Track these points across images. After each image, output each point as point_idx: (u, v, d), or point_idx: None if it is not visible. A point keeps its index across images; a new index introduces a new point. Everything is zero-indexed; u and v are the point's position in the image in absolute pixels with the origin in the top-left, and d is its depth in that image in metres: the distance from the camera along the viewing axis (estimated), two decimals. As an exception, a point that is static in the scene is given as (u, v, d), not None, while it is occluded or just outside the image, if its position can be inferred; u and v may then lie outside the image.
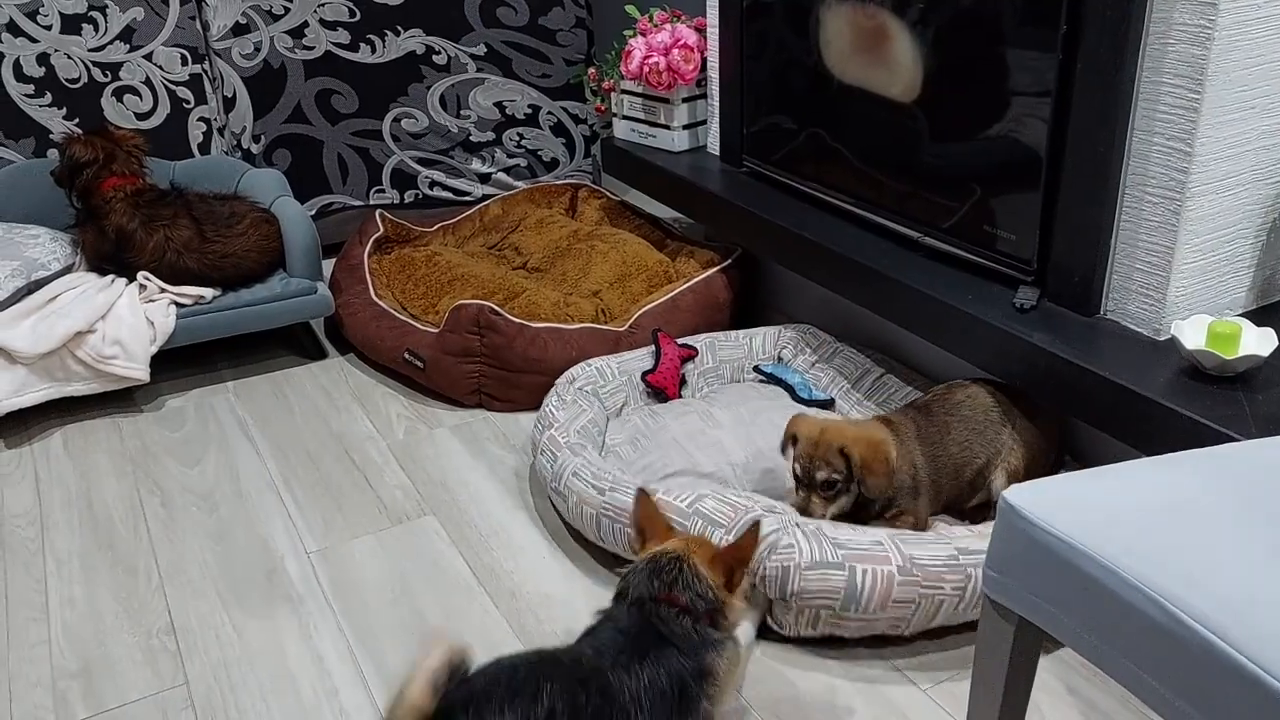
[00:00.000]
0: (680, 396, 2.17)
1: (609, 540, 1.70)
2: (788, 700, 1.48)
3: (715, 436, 1.94)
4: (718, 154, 2.60)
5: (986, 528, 1.73)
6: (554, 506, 1.87)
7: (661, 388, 2.14)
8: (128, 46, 2.60)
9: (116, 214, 2.31)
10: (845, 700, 1.48)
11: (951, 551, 1.52)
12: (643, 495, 1.38)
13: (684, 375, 2.20)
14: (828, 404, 2.12)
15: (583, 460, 1.78)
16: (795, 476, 1.70)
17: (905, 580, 1.49)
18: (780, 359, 2.27)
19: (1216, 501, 0.98)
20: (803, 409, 1.97)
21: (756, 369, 2.24)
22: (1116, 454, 1.76)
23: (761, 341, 2.28)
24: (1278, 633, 0.83)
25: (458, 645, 1.10)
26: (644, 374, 2.14)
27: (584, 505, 1.72)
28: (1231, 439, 1.38)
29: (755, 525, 1.33)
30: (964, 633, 1.59)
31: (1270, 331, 1.55)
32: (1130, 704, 1.45)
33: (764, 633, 1.58)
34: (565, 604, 1.68)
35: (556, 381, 2.07)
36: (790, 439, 1.72)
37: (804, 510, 1.67)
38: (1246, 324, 1.55)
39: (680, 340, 2.24)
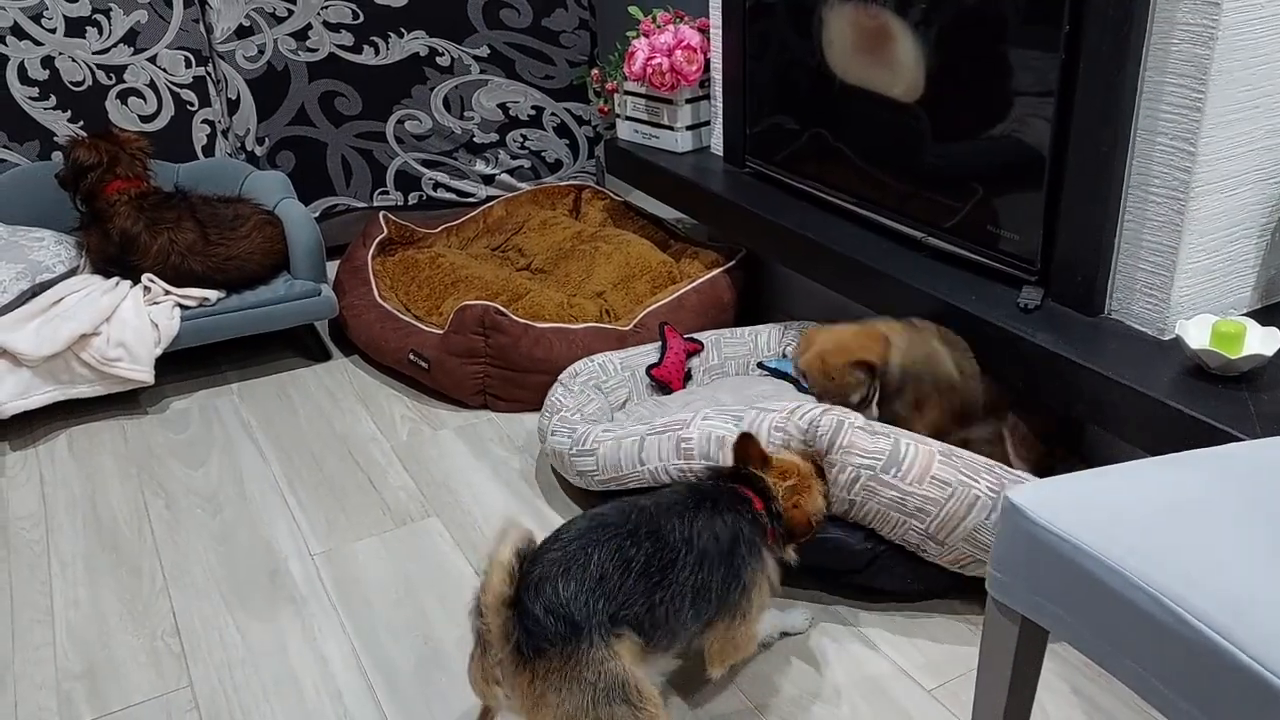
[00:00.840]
0: (684, 389, 2.17)
1: (651, 459, 1.74)
2: (790, 700, 1.48)
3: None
4: (721, 155, 2.60)
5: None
6: (576, 476, 1.85)
7: (666, 381, 2.14)
8: (132, 49, 2.60)
9: (121, 217, 2.31)
10: (848, 697, 1.48)
11: (989, 464, 1.58)
12: (745, 436, 1.45)
13: (689, 370, 2.20)
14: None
15: (604, 427, 1.84)
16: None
17: (945, 462, 1.56)
18: (785, 355, 2.27)
19: (1220, 501, 0.97)
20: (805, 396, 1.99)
21: (760, 365, 2.24)
22: (1121, 454, 1.75)
23: (766, 338, 2.28)
24: (1279, 632, 0.83)
25: (523, 532, 1.22)
26: (649, 368, 2.14)
27: (621, 444, 1.78)
28: (1236, 438, 1.38)
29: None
30: (968, 631, 1.59)
31: (1275, 331, 1.54)
32: (1134, 704, 1.45)
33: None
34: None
35: (560, 376, 2.07)
36: (801, 375, 1.83)
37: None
38: (1251, 323, 1.55)
39: (686, 335, 2.24)
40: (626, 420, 2.00)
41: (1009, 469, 1.59)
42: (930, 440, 1.60)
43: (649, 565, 1.26)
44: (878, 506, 1.57)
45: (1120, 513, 0.96)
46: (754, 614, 1.38)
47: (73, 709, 1.51)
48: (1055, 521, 0.96)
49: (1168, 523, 0.95)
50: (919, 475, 1.54)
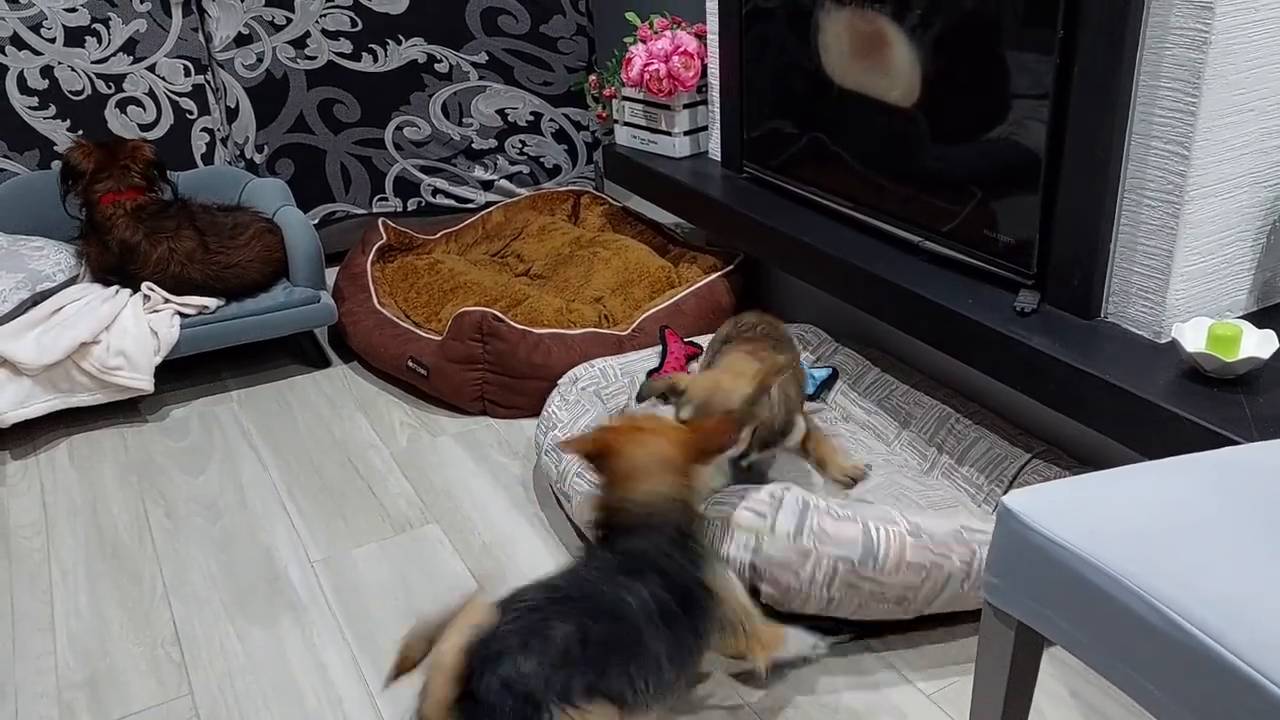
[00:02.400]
0: (683, 397, 2.18)
1: None
2: (788, 704, 1.48)
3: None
4: (719, 159, 2.60)
5: (988, 509, 1.77)
6: (560, 505, 1.87)
7: (666, 387, 2.15)
8: (131, 58, 2.61)
9: (119, 229, 2.32)
10: (846, 703, 1.48)
11: (956, 526, 1.54)
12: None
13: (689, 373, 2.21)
14: (831, 379, 2.14)
15: None
16: None
17: (916, 544, 1.51)
18: None
19: (1215, 506, 0.98)
20: None
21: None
22: (1118, 458, 1.76)
23: (763, 345, 2.29)
24: (1276, 637, 0.83)
25: (473, 625, 1.11)
26: (649, 373, 2.15)
27: (587, 505, 1.71)
28: (1232, 442, 1.38)
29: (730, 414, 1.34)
30: (965, 636, 1.59)
31: (1271, 334, 1.54)
32: (1132, 708, 1.45)
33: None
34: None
35: (559, 381, 2.07)
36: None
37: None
38: (1247, 326, 1.55)
39: (685, 339, 2.25)
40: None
41: (972, 525, 1.54)
42: (892, 514, 1.53)
43: (613, 639, 1.18)
44: (859, 601, 1.53)
45: (1115, 517, 0.97)
46: (745, 617, 1.36)
47: (74, 718, 1.51)
48: (1050, 526, 0.96)
49: (1163, 527, 0.95)
50: (894, 564, 1.49)
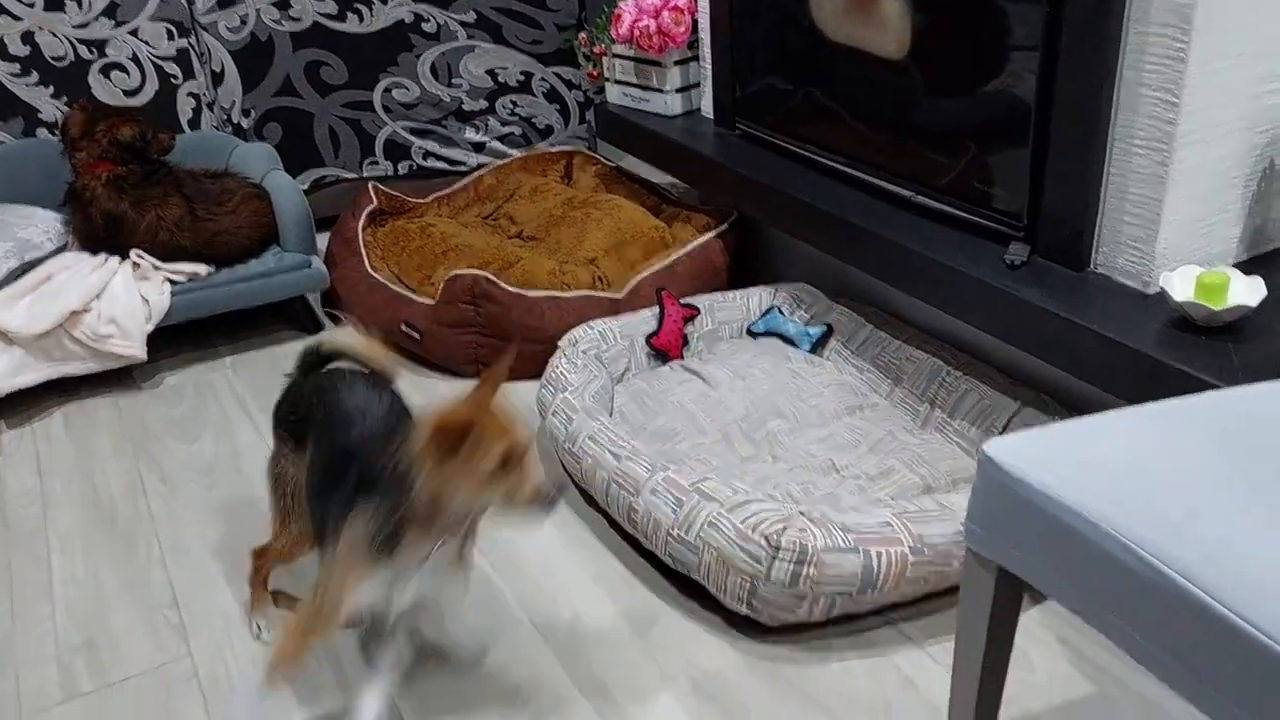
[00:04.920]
0: (683, 358, 2.18)
1: (615, 506, 1.70)
2: (785, 658, 1.49)
3: (716, 398, 1.98)
4: (711, 117, 2.58)
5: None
6: (564, 468, 1.87)
7: (665, 350, 2.15)
8: (113, 22, 2.59)
9: (100, 200, 2.30)
10: (840, 656, 1.49)
11: (957, 528, 1.50)
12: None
13: (686, 335, 2.20)
14: (826, 335, 2.16)
15: (599, 425, 1.78)
16: None
17: (918, 560, 1.47)
18: (773, 310, 2.26)
19: (1196, 451, 0.98)
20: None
21: (748, 331, 2.24)
22: (1111, 406, 1.76)
23: (758, 301, 2.28)
24: (1254, 581, 0.84)
25: None
26: (648, 337, 2.14)
27: (598, 469, 1.73)
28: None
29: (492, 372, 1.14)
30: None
31: (1259, 281, 1.54)
32: (1117, 653, 1.47)
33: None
34: (566, 572, 1.70)
35: (560, 343, 2.07)
36: None
37: None
38: (1235, 274, 1.55)
39: (681, 300, 2.25)
40: (623, 394, 2.02)
41: None
42: (895, 530, 1.47)
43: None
44: (857, 609, 1.53)
45: (1095, 464, 0.97)
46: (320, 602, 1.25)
47: (74, 681, 1.53)
48: (1030, 473, 0.96)
49: (1143, 473, 0.95)
50: (894, 583, 1.47)
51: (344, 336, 1.41)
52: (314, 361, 1.48)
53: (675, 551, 1.57)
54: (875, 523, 1.49)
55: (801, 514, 1.50)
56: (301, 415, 1.41)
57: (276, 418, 1.46)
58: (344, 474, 1.25)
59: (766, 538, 1.46)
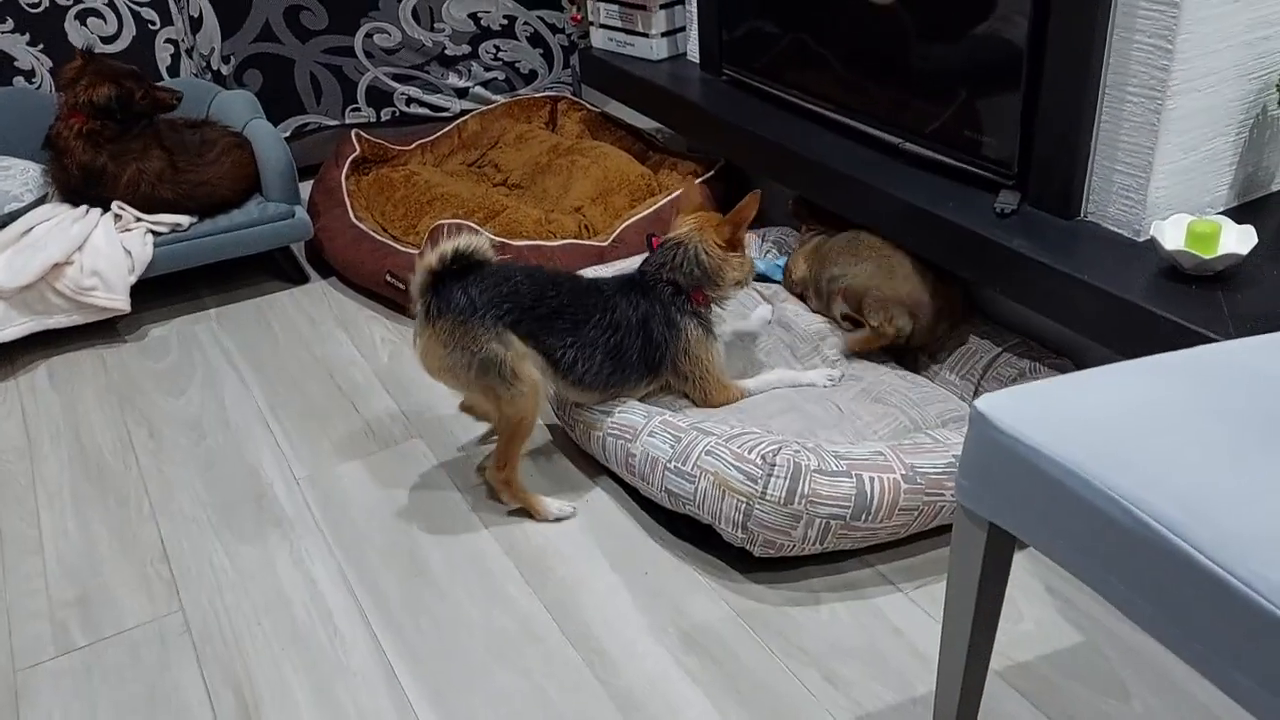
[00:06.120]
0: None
1: (612, 458, 1.70)
2: (771, 606, 1.51)
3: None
4: (697, 62, 2.54)
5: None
6: (555, 413, 1.87)
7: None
8: (87, -33, 2.52)
9: (77, 153, 2.26)
10: (827, 603, 1.51)
11: (949, 459, 1.53)
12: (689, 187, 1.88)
13: None
14: None
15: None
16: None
17: (910, 489, 1.50)
18: (769, 255, 2.25)
19: (1185, 404, 0.98)
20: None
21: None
22: (1099, 359, 1.76)
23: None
24: (1239, 533, 0.84)
25: (477, 241, 1.60)
26: None
27: (591, 430, 1.73)
28: (1210, 340, 1.39)
29: (754, 194, 1.71)
30: (944, 535, 1.61)
31: (1250, 229, 1.53)
32: (1105, 603, 1.48)
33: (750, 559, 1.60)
34: (556, 524, 1.70)
35: None
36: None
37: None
38: (1226, 222, 1.54)
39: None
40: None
41: None
42: (888, 458, 1.52)
43: (561, 310, 1.63)
44: (851, 543, 1.54)
45: (1084, 417, 0.97)
46: (706, 370, 1.73)
47: (68, 636, 1.53)
48: (1019, 428, 0.96)
49: (1131, 426, 0.96)
50: (888, 511, 1.50)
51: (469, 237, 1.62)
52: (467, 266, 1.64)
53: (672, 484, 1.58)
54: (868, 452, 1.53)
55: (796, 442, 1.54)
56: (527, 305, 1.63)
57: (495, 316, 1.60)
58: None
59: (763, 456, 1.50)
